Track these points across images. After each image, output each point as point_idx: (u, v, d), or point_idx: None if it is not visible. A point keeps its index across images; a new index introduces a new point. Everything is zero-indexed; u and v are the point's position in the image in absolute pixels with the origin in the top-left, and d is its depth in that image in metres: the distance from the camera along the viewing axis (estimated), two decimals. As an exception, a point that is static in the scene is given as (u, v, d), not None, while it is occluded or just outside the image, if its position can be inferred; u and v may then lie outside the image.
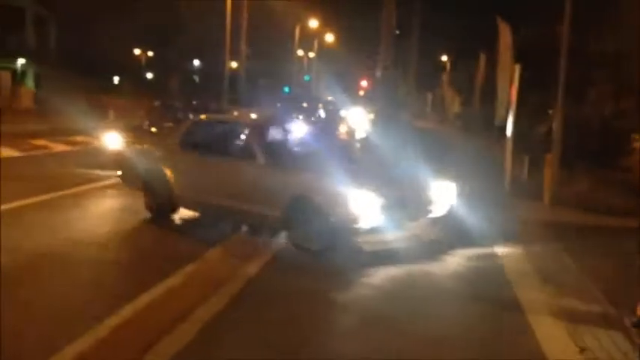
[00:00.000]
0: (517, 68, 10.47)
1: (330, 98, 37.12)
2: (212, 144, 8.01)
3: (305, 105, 27.75)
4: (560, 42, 10.41)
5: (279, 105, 29.17)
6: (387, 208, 6.84)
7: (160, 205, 8.20)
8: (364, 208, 6.73)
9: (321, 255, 6.72)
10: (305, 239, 6.85)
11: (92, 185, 10.53)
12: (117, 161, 9.24)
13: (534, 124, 13.51)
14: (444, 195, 7.64)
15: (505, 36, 11.67)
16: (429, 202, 7.47)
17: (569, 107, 10.95)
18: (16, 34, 33.40)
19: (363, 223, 6.78)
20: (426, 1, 32.79)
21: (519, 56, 11.37)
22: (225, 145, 7.94)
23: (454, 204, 7.84)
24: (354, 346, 4.48)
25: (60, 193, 9.71)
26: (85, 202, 9.42)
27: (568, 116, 11.09)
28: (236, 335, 4.55)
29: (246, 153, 7.49)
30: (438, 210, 7.57)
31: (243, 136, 7.86)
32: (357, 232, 6.88)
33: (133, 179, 8.62)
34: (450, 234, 7.71)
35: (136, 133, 12.67)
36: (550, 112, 13.35)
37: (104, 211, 9.14)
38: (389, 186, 7.13)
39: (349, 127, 26.15)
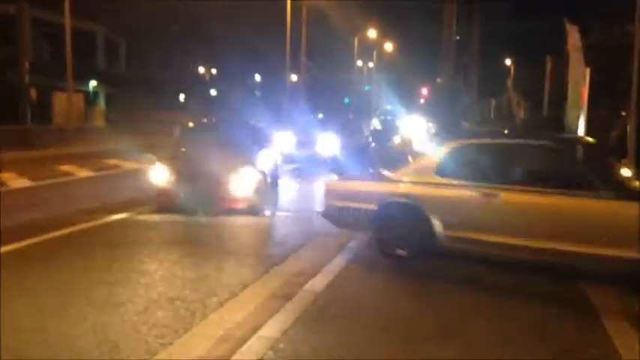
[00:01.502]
0: (587, 72, 10.09)
1: (388, 107, 36.90)
2: (504, 172, 6.48)
3: (350, 117, 27.13)
4: (633, 41, 9.97)
5: (351, 116, 29.01)
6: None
7: (416, 247, 6.55)
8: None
9: None
10: None
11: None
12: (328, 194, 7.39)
13: (606, 128, 12.96)
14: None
15: (573, 38, 11.29)
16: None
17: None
18: (87, 57, 35.04)
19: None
20: (486, 6, 32.26)
21: (589, 58, 10.98)
22: (532, 173, 6.43)
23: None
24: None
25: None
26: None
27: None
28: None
29: (575, 182, 5.96)
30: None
31: (558, 161, 6.29)
32: None
33: (354, 216, 6.96)
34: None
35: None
36: (623, 114, 12.78)
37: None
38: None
39: (405, 138, 25.68)
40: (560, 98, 14.18)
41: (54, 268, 6.30)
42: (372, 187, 6.99)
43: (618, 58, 12.12)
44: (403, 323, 4.86)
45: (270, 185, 10.38)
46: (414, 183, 6.63)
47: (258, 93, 52.83)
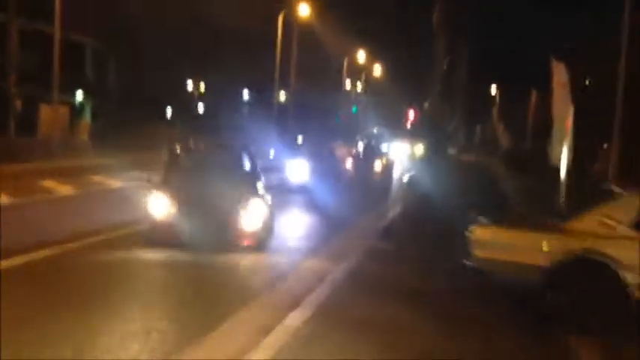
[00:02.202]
0: (571, 109, 10.22)
1: (375, 130, 36.74)
2: None
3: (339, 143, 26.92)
4: (617, 80, 10.15)
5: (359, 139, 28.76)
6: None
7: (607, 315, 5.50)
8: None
9: None
10: None
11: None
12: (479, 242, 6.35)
13: (590, 163, 13.15)
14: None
15: (559, 74, 11.43)
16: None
17: (627, 147, 10.61)
18: (75, 69, 34.87)
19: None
20: (474, 34, 32.65)
21: (575, 94, 11.12)
22: None
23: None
24: None
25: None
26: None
27: (625, 157, 10.76)
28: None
29: None
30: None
31: None
32: None
33: (517, 273, 5.98)
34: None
35: None
36: (605, 146, 12.95)
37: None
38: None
39: (387, 162, 25.33)
40: (543, 131, 14.35)
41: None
42: (540, 239, 5.86)
43: (603, 94, 12.32)
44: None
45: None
46: (607, 237, 5.48)
47: (245, 110, 52.88)
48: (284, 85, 39.91)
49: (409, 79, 49.73)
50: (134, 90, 38.48)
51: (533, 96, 17.32)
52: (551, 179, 12.34)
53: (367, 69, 53.66)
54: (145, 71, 40.95)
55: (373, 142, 31.16)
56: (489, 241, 6.24)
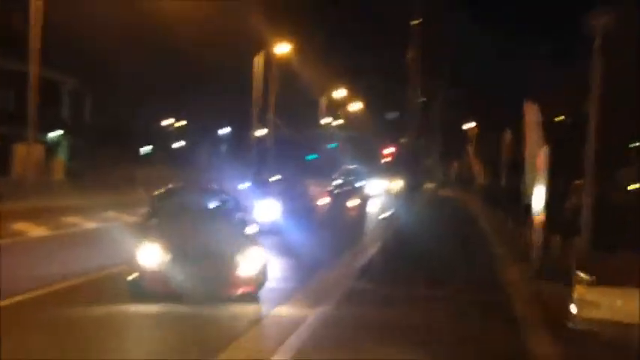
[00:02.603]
0: (545, 149, 10.44)
1: (352, 167, 36.37)
2: None
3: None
4: (587, 122, 10.40)
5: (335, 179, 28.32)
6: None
7: None
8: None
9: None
10: None
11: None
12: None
13: (563, 200, 13.34)
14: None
15: (531, 115, 11.72)
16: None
17: (599, 187, 10.81)
18: (52, 107, 34.70)
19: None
20: (450, 74, 33.36)
21: (547, 135, 11.38)
22: None
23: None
24: None
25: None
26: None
27: (598, 195, 10.95)
28: None
29: None
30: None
31: None
32: None
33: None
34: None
35: None
36: (577, 182, 13.16)
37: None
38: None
39: (364, 199, 24.73)
40: (517, 168, 14.60)
41: None
42: None
43: (574, 133, 12.59)
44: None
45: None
46: None
47: (224, 147, 52.87)
48: (263, 122, 40.11)
49: (387, 115, 50.39)
50: (111, 128, 38.34)
51: (507, 134, 17.66)
52: (524, 216, 12.53)
53: (346, 105, 54.26)
54: (122, 108, 40.91)
55: (350, 179, 30.25)
56: (596, 300, 5.94)
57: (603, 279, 6.27)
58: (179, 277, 7.81)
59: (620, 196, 12.98)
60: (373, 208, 24.63)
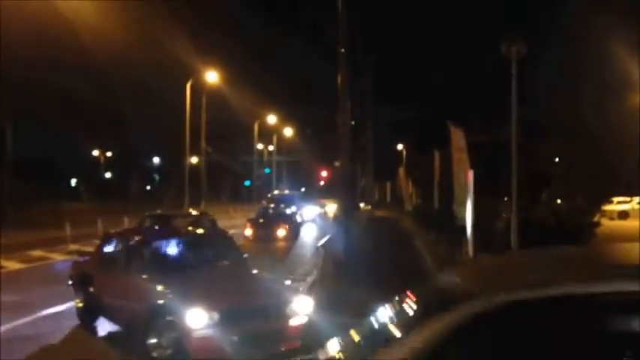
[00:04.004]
0: (471, 173, 10.75)
1: (286, 192, 35.92)
2: None
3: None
4: (510, 144, 10.83)
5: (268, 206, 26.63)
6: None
7: None
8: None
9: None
10: None
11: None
12: None
13: (492, 219, 13.77)
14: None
15: (457, 139, 12.07)
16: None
17: (524, 207, 11.23)
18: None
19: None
20: (378, 95, 34.04)
21: (472, 157, 11.74)
22: None
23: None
24: None
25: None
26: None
27: (525, 213, 11.38)
28: None
29: None
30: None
31: None
32: None
33: None
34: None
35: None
36: (505, 199, 13.63)
37: None
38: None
39: (294, 227, 22.56)
40: (448, 190, 14.98)
41: None
42: None
43: (498, 155, 13.06)
44: None
45: None
46: None
47: (156, 176, 51.81)
48: (195, 150, 39.62)
49: (321, 140, 50.88)
50: (34, 161, 36.85)
51: (437, 156, 18.12)
52: (458, 236, 12.83)
53: (279, 130, 54.44)
54: (47, 140, 39.45)
55: (281, 206, 28.35)
56: None
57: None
58: (229, 338, 6.87)
59: (546, 212, 13.52)
60: (307, 234, 24.20)
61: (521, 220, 10.88)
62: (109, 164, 51.23)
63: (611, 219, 31.51)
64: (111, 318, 8.33)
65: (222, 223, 18.71)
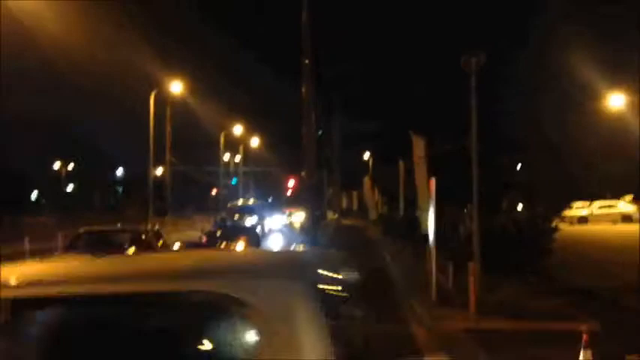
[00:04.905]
0: (432, 182, 10.91)
1: (250, 202, 34.85)
2: None
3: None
4: (471, 154, 11.03)
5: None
6: None
7: None
8: None
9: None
10: None
11: None
12: None
13: (454, 227, 13.98)
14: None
15: (418, 148, 12.25)
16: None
17: (485, 216, 11.43)
18: None
19: None
20: (345, 106, 34.29)
21: (435, 167, 11.92)
22: None
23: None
24: None
25: None
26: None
27: (486, 220, 11.58)
28: None
29: None
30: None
31: None
32: None
33: None
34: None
35: None
36: (466, 210, 13.85)
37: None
38: None
39: (255, 238, 21.39)
40: (413, 199, 15.16)
41: None
42: None
43: (461, 164, 13.28)
44: None
45: None
46: None
47: (120, 188, 50.98)
48: (160, 161, 39.19)
49: (287, 150, 50.85)
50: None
51: (401, 166, 18.33)
52: (422, 244, 12.98)
53: (245, 141, 54.26)
54: (5, 153, 38.48)
55: (242, 217, 26.51)
56: None
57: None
58: None
59: (507, 220, 13.78)
60: (272, 244, 23.98)
61: (482, 228, 11.08)
62: (70, 177, 50.21)
63: (571, 224, 32.31)
64: None
65: (185, 234, 18.46)
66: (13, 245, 19.62)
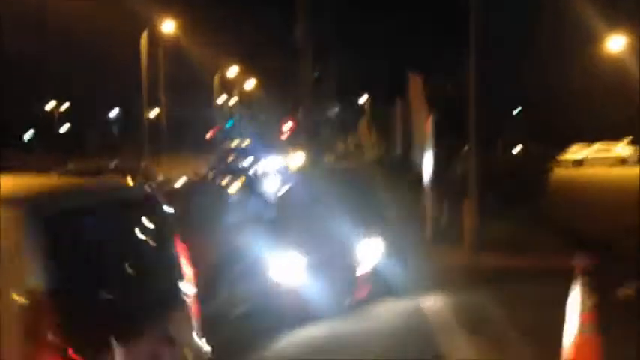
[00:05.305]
0: (431, 116, 10.76)
1: (244, 143, 34.12)
2: None
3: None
4: (468, 91, 10.83)
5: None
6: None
7: None
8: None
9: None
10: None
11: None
12: None
13: (450, 166, 13.90)
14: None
15: (415, 86, 12.04)
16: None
17: (482, 152, 11.32)
18: None
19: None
20: (342, 44, 33.59)
21: (432, 105, 11.74)
22: None
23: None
24: None
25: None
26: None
27: (481, 161, 11.50)
28: None
29: None
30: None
31: None
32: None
33: None
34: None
35: None
36: (465, 149, 13.76)
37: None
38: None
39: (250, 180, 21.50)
40: (410, 139, 15.01)
41: None
42: None
43: (457, 100, 13.09)
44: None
45: None
46: None
47: (115, 129, 50.61)
48: (154, 102, 38.69)
49: (283, 91, 50.29)
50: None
51: (398, 105, 18.08)
52: (418, 184, 12.93)
53: (241, 82, 53.52)
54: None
55: (235, 158, 25.99)
56: None
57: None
58: (315, 287, 6.53)
59: (502, 161, 13.73)
60: (267, 187, 23.70)
61: (479, 168, 11.00)
62: (65, 117, 49.71)
63: (566, 167, 32.37)
64: None
65: (179, 173, 18.23)
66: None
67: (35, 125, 44.18)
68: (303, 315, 6.52)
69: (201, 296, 6.57)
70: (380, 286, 7.50)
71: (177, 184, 12.44)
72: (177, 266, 3.78)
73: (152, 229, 3.63)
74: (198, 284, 5.91)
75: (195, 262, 6.77)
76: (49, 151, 32.32)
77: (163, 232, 3.75)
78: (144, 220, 3.61)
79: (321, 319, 6.60)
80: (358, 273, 7.29)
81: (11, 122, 38.79)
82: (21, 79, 40.24)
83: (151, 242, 3.61)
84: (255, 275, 6.68)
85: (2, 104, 36.37)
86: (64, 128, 48.68)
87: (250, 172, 24.27)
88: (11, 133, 38.24)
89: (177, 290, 3.70)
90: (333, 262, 7.00)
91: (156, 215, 3.72)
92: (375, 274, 7.47)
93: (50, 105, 48.67)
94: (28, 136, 43.82)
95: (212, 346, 4.12)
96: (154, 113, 39.96)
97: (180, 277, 3.80)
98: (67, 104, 50.39)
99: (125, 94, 44.06)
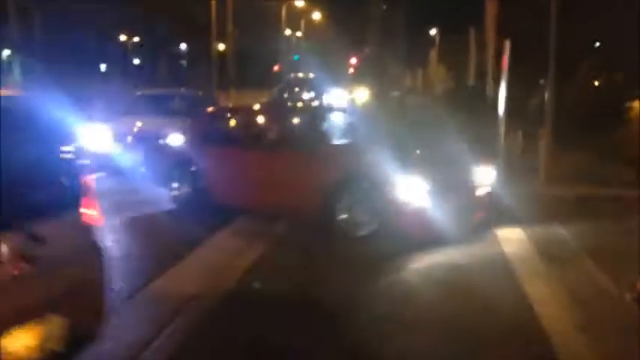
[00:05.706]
0: (507, 43, 10.44)
1: (311, 75, 33.54)
2: None
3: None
4: (548, 17, 10.40)
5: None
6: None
7: None
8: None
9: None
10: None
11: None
12: None
13: (526, 97, 13.55)
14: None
15: (492, 11, 11.64)
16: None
17: (561, 81, 10.97)
18: (-1, 26, 33.02)
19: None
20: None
21: (509, 31, 11.34)
22: None
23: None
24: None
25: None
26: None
27: (560, 90, 11.15)
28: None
29: None
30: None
31: None
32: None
33: None
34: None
35: None
36: (541, 82, 13.36)
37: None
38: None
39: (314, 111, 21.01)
40: (483, 69, 14.65)
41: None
42: None
43: (537, 31, 12.60)
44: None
45: None
46: None
47: (184, 62, 51.42)
48: (221, 36, 38.90)
49: (351, 25, 49.40)
50: (63, 46, 36.76)
51: (471, 35, 17.52)
52: (490, 115, 12.70)
53: (307, 14, 52.82)
54: (74, 27, 39.10)
55: (300, 90, 25.33)
56: None
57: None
58: (438, 211, 6.48)
59: (581, 92, 13.23)
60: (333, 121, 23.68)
61: (554, 100, 10.68)
62: (136, 50, 50.86)
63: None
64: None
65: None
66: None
67: (108, 58, 45.52)
68: (427, 237, 6.48)
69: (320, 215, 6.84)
70: (493, 212, 7.57)
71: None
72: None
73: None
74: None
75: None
76: (124, 81, 33.37)
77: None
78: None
79: (445, 243, 6.55)
80: (477, 196, 7.33)
81: (89, 55, 40.10)
82: (93, 14, 41.11)
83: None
84: (380, 196, 6.56)
85: (81, 39, 37.46)
86: (136, 61, 49.94)
87: (314, 104, 24.19)
88: (89, 65, 39.62)
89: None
90: (456, 184, 7.02)
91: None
92: (489, 199, 7.56)
93: (122, 38, 49.86)
94: (103, 68, 45.30)
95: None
96: (221, 47, 40.23)
97: None
98: (137, 39, 51.45)
99: (193, 29, 44.49)
